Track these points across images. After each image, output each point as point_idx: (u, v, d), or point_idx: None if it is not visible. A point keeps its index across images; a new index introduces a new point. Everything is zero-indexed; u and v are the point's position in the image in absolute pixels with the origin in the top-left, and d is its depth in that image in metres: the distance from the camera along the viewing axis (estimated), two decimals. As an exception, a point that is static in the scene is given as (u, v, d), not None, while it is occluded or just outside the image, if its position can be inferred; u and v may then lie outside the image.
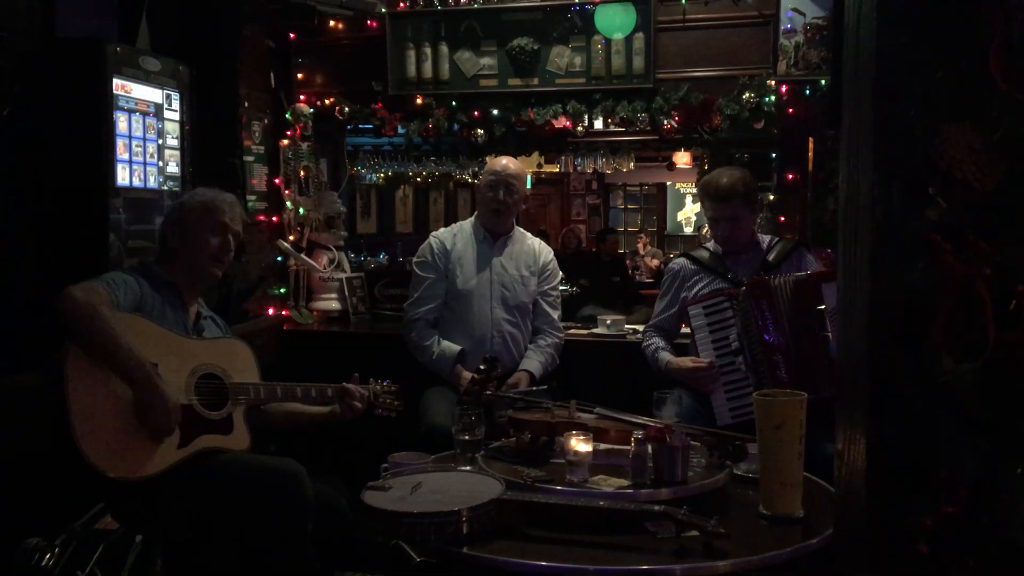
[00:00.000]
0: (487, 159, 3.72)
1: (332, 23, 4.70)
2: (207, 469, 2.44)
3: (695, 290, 3.41)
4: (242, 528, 2.42)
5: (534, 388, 3.38)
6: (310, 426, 2.87)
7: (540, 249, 3.77)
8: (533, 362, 3.55)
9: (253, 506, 2.38)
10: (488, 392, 3.01)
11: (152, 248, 3.41)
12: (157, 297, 2.57)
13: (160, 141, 3.59)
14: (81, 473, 2.33)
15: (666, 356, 3.38)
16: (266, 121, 4.57)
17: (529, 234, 3.87)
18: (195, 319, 2.72)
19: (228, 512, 2.42)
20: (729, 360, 3.20)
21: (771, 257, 3.37)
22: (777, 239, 3.51)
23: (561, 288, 3.96)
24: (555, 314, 3.73)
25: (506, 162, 3.67)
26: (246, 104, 4.38)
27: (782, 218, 4.24)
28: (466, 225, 3.77)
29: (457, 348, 3.50)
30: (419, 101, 4.65)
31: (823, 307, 3.10)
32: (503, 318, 3.58)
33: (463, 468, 2.62)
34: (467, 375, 3.30)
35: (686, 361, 3.30)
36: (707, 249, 3.52)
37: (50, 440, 2.32)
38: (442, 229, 3.79)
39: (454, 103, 4.62)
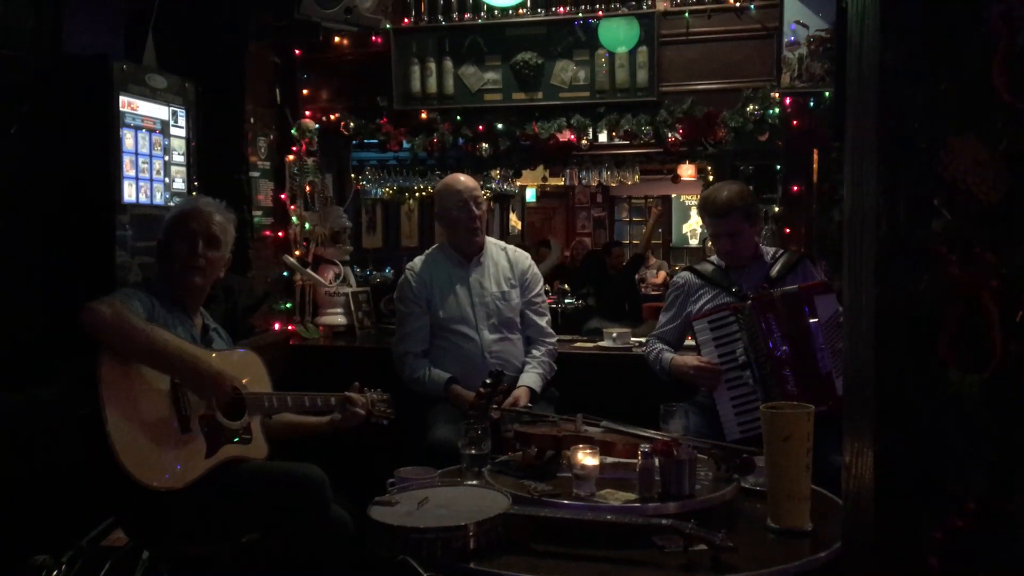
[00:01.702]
0: (448, 180, 3.56)
1: (337, 39, 4.72)
2: (233, 477, 2.47)
3: (699, 304, 3.40)
4: (263, 534, 2.47)
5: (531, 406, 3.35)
6: (309, 437, 2.90)
7: (516, 258, 3.72)
8: (531, 375, 3.52)
9: (277, 512, 2.43)
10: (494, 406, 3.01)
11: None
12: (165, 312, 2.59)
13: (166, 157, 3.61)
14: (106, 488, 2.38)
15: (669, 355, 3.38)
16: (272, 137, 4.59)
17: (501, 243, 3.82)
18: (202, 331, 2.74)
19: (252, 519, 2.46)
20: (736, 374, 3.19)
21: (775, 270, 3.36)
22: (781, 252, 3.50)
23: (567, 301, 3.94)
24: (543, 321, 3.69)
25: (463, 178, 3.63)
26: (252, 120, 4.40)
27: (787, 230, 4.24)
28: (436, 252, 3.71)
29: (446, 376, 3.46)
30: (424, 116, 4.66)
31: (815, 320, 3.10)
32: (491, 339, 3.54)
33: (470, 483, 2.62)
34: (467, 394, 3.28)
35: (691, 359, 3.29)
36: (711, 263, 3.51)
37: (84, 452, 2.34)
38: (415, 259, 3.73)
39: (459, 117, 4.63)
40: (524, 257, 3.77)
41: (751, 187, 3.76)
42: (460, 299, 3.57)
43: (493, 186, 8.69)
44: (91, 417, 2.27)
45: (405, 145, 4.77)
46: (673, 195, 13.99)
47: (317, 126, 4.71)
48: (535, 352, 3.62)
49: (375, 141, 4.87)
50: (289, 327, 4.54)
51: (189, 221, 2.69)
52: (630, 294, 8.14)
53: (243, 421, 2.59)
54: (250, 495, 2.46)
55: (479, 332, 3.54)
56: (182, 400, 2.44)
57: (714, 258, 3.53)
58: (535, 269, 3.77)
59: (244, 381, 2.64)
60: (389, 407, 3.04)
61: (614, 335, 4.16)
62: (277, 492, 2.45)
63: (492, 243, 3.75)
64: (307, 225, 4.67)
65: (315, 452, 3.01)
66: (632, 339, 4.16)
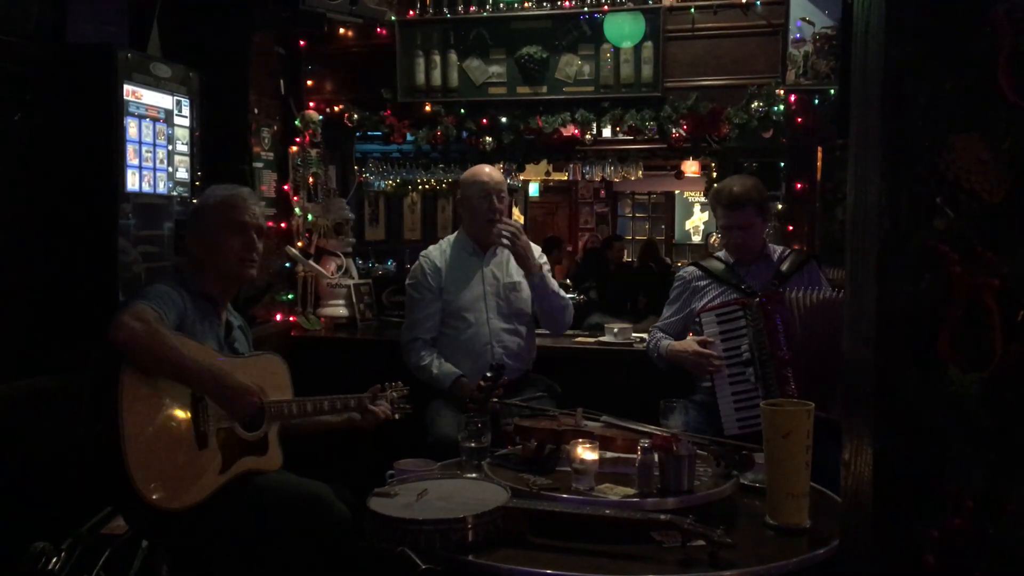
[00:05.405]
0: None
1: (342, 31, 4.72)
2: (242, 496, 2.42)
3: (705, 300, 3.39)
4: (265, 548, 2.43)
5: None
6: (326, 434, 2.86)
7: None
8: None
9: (282, 531, 2.39)
10: (495, 399, 3.01)
11: (159, 253, 3.43)
12: (195, 310, 2.52)
13: (170, 147, 3.61)
14: (113, 502, 2.38)
15: (667, 342, 3.38)
16: (275, 128, 4.59)
17: None
18: (227, 330, 2.68)
19: (258, 533, 2.41)
20: (739, 370, 3.18)
21: (784, 267, 3.36)
22: (788, 250, 3.50)
23: (568, 296, 3.92)
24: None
25: (489, 170, 3.63)
26: (256, 110, 4.40)
27: (790, 227, 4.23)
28: (452, 240, 3.71)
29: (457, 372, 3.46)
30: (428, 108, 4.66)
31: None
32: (501, 328, 3.55)
33: (469, 475, 2.62)
34: (470, 386, 3.28)
35: (690, 343, 3.28)
36: (719, 259, 3.49)
37: (96, 467, 2.29)
38: (430, 248, 3.74)
39: (463, 111, 4.64)
40: (536, 249, 3.75)
41: (759, 183, 3.75)
42: (473, 287, 3.58)
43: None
44: (105, 432, 2.21)
45: (409, 138, 4.78)
46: (676, 191, 13.98)
47: (321, 117, 4.71)
48: None
49: (379, 133, 4.87)
50: (291, 318, 4.55)
51: (240, 213, 2.61)
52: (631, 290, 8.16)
53: (261, 431, 2.53)
54: (258, 512, 2.41)
55: (488, 321, 3.55)
56: (201, 414, 2.37)
57: (721, 254, 3.52)
58: (543, 257, 3.75)
59: (265, 388, 2.56)
60: (407, 402, 2.98)
61: (615, 330, 4.16)
62: (286, 511, 2.41)
63: None
64: (310, 216, 4.68)
65: (316, 443, 3.02)
66: (633, 335, 4.16)
